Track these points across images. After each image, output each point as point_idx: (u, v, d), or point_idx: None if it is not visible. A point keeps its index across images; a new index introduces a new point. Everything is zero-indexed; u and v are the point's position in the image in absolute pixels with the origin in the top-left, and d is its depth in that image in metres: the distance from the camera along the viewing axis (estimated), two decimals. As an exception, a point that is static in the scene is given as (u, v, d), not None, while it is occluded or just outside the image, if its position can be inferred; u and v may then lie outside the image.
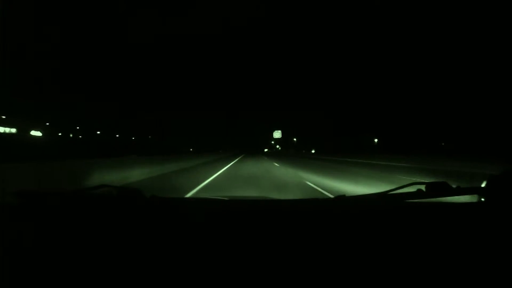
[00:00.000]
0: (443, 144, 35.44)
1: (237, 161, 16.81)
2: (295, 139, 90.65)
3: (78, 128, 65.25)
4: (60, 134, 54.75)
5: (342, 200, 0.83)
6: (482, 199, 0.80)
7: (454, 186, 0.80)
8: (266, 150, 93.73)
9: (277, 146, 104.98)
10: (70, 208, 0.85)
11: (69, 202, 0.89)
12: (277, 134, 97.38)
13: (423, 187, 0.79)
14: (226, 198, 1.05)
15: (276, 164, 13.01)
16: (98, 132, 70.04)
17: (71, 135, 59.47)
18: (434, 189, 0.79)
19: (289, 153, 57.96)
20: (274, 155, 38.44)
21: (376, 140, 46.53)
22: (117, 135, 72.14)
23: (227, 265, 0.57)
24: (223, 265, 0.57)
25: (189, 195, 4.65)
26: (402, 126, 42.68)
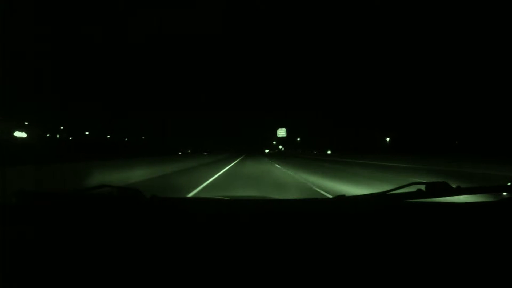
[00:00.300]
0: (456, 142, 35.43)
1: (229, 169, 11.43)
2: (298, 139, 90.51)
3: (62, 128, 65.15)
4: (48, 135, 55.06)
5: (342, 200, 0.86)
6: (491, 200, 0.83)
7: (454, 186, 0.83)
8: (267, 150, 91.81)
9: (280, 147, 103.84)
10: (70, 208, 0.89)
11: (68, 202, 0.93)
12: (281, 132, 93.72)
13: (423, 187, 0.82)
14: (226, 198, 1.09)
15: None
16: (87, 133, 70.26)
17: (58, 136, 59.70)
18: (434, 189, 0.82)
19: (293, 153, 56.04)
20: (281, 157, 30.50)
21: (388, 139, 46.39)
22: (108, 136, 72.34)
23: (228, 265, 0.60)
24: (224, 265, 0.60)
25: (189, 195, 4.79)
26: (414, 125, 42.74)
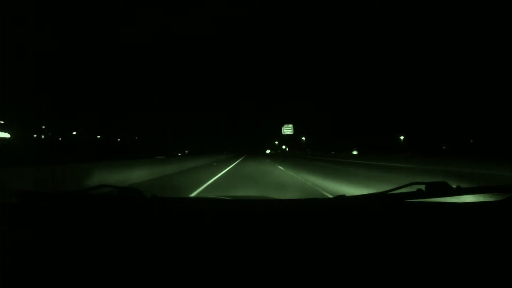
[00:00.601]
0: (471, 141, 35.37)
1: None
2: (303, 138, 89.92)
3: (44, 127, 64.91)
4: (35, 136, 55.19)
5: (342, 200, 0.90)
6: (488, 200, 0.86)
7: (454, 186, 0.87)
8: (268, 151, 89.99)
9: (283, 146, 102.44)
10: (70, 208, 0.93)
11: (68, 202, 0.98)
12: (287, 129, 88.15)
13: (423, 187, 0.86)
14: (226, 198, 1.13)
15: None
16: (74, 133, 70.29)
17: (42, 136, 59.83)
18: (434, 189, 0.85)
19: (300, 154, 55.00)
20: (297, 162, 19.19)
21: (402, 137, 46.21)
22: (99, 136, 72.35)
23: (228, 265, 0.64)
24: (225, 265, 0.63)
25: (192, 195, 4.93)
26: (429, 124, 42.78)
